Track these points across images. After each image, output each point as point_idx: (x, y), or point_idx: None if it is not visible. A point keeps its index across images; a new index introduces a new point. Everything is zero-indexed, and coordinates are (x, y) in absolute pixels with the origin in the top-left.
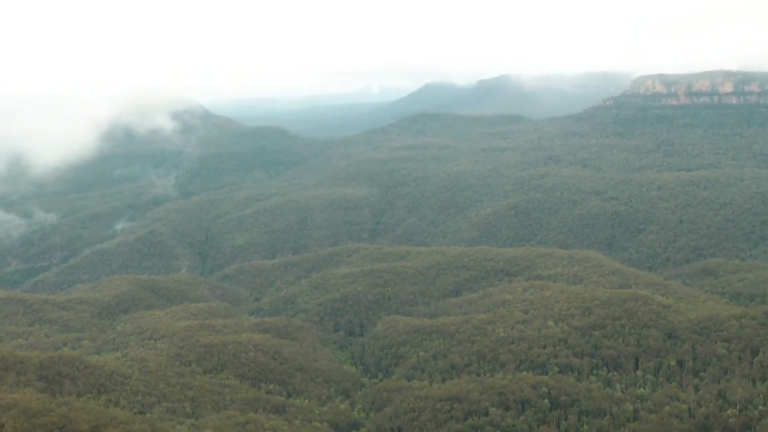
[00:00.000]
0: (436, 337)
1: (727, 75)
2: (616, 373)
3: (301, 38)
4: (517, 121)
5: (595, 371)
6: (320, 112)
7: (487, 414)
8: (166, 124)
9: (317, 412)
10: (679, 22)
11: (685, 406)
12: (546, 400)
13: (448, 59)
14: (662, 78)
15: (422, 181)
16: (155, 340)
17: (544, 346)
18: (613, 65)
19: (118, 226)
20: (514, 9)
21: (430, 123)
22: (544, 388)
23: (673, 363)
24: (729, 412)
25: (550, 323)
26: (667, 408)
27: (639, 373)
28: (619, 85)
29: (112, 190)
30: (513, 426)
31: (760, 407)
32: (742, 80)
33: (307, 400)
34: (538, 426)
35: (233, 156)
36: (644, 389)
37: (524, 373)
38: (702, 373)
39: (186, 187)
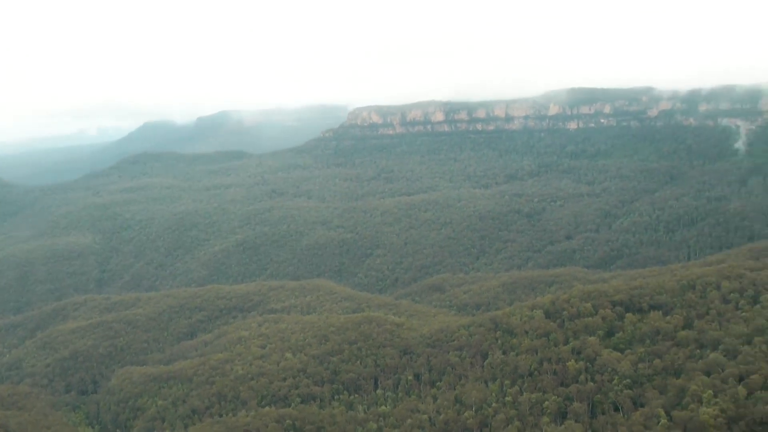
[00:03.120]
0: (174, 383)
1: (438, 105)
2: (357, 395)
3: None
4: (239, 157)
5: (336, 396)
6: (35, 156)
7: None
8: None
9: None
10: (389, 54)
11: (425, 416)
12: None
13: (166, 97)
14: (378, 109)
15: (147, 224)
16: None
17: (284, 379)
18: (330, 98)
19: None
20: (228, 45)
21: (151, 163)
22: (288, 420)
23: (410, 377)
24: (466, 414)
25: (288, 355)
26: (409, 421)
27: (379, 392)
28: (337, 117)
29: None
30: None
31: (494, 404)
32: (451, 109)
33: None
34: None
35: None
36: (386, 406)
37: (267, 408)
38: (438, 383)
39: None
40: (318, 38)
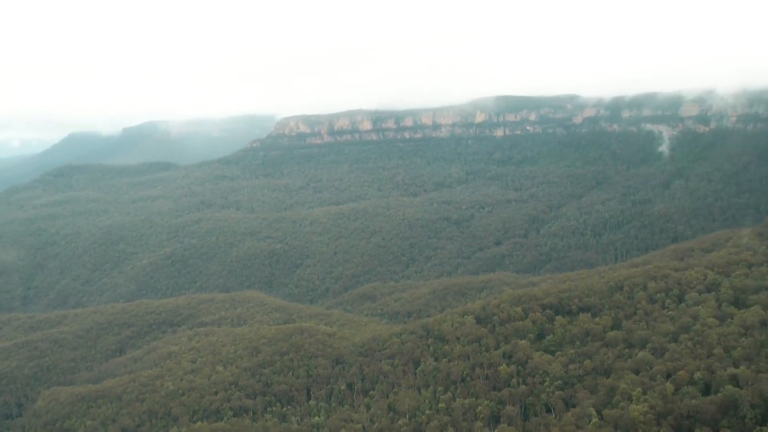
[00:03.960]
0: (103, 402)
1: (366, 114)
2: (290, 407)
3: None
4: (166, 168)
5: (269, 408)
6: None
7: None
8: None
9: None
10: (316, 63)
11: (359, 425)
12: None
13: (91, 107)
14: (305, 118)
15: (73, 239)
16: None
17: (216, 393)
18: (258, 108)
19: None
20: (154, 53)
21: (77, 175)
22: None
23: (343, 387)
24: (400, 422)
25: (220, 368)
26: (342, 430)
27: (312, 402)
28: (265, 127)
29: None
30: None
31: (427, 411)
32: (379, 118)
33: None
34: None
35: None
36: (319, 417)
37: (199, 423)
38: (371, 392)
39: None
40: (245, 47)
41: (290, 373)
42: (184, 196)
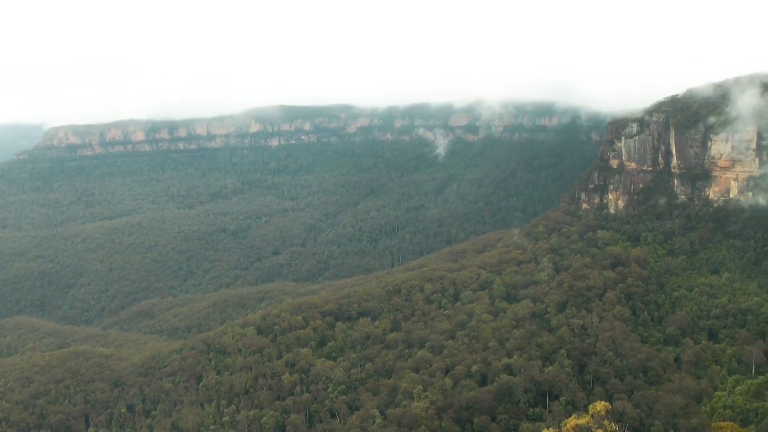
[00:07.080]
0: None
1: (139, 124)
2: None
3: None
4: None
5: None
6: None
7: None
8: None
9: None
10: (86, 71)
11: None
12: None
13: None
14: (74, 129)
15: None
16: None
17: None
18: (24, 116)
19: None
20: None
21: None
22: None
23: (123, 410)
24: None
25: None
26: None
27: (91, 430)
28: (32, 138)
29: None
30: None
31: (211, 426)
32: (152, 128)
33: None
34: None
35: None
36: None
37: None
38: (153, 412)
39: None
40: (7, 48)
41: (66, 401)
42: None
